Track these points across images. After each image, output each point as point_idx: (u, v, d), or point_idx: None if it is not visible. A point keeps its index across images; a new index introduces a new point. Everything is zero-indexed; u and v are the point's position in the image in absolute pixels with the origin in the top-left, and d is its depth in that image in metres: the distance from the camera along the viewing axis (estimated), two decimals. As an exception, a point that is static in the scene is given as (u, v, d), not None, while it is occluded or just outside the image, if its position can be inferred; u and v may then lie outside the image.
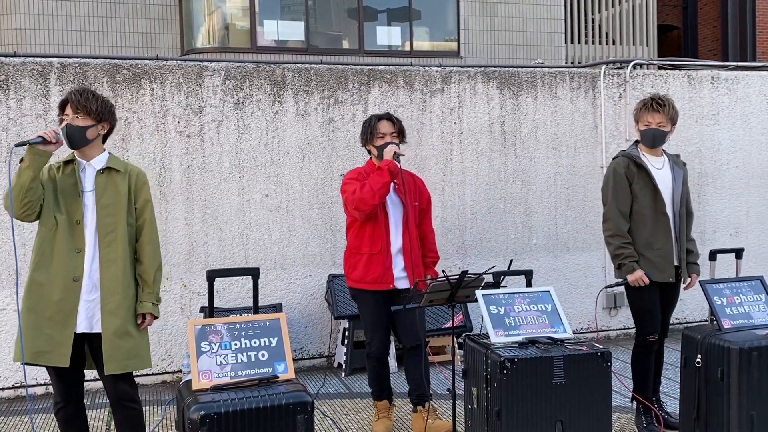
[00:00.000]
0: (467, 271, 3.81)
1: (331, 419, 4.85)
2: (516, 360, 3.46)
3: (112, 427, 4.75)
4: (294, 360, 6.00)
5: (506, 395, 3.46)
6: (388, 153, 4.26)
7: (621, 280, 4.32)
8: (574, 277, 6.77)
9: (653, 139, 4.34)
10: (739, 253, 4.67)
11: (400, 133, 4.44)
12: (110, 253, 3.40)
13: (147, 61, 5.68)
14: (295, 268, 6.01)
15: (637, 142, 4.46)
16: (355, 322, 5.77)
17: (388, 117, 4.42)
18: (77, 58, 5.55)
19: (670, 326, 5.78)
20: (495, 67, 6.55)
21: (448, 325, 5.91)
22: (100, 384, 5.55)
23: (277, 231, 5.96)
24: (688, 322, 7.10)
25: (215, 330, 3.22)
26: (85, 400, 3.60)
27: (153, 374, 5.70)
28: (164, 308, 5.70)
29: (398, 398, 5.13)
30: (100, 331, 3.38)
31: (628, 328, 6.88)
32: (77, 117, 3.39)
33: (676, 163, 4.48)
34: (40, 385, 5.48)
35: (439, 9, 11.63)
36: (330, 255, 6.09)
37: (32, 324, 3.34)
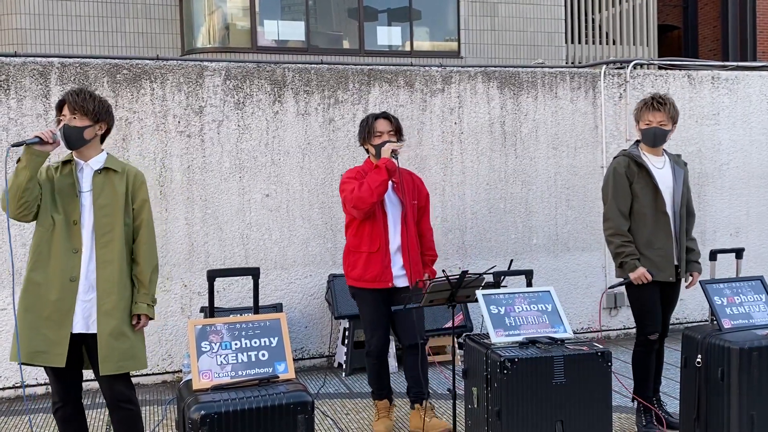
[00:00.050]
0: (467, 271, 3.82)
1: (332, 419, 4.85)
2: (516, 360, 3.46)
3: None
4: (294, 360, 6.01)
5: (506, 395, 3.46)
6: (386, 151, 4.29)
7: (623, 279, 4.32)
8: (575, 277, 6.77)
9: (654, 138, 4.34)
10: (739, 253, 4.67)
11: (398, 132, 4.46)
12: (107, 253, 3.39)
13: (147, 61, 5.69)
14: (296, 268, 6.01)
15: (638, 141, 4.47)
16: (356, 322, 5.77)
17: (385, 115, 4.44)
18: (78, 58, 5.55)
19: (671, 326, 5.79)
20: (495, 67, 6.55)
21: (449, 325, 5.91)
22: (100, 384, 5.55)
23: (277, 231, 5.96)
24: (688, 322, 7.10)
25: (216, 330, 3.22)
26: (84, 400, 3.60)
27: (153, 374, 5.70)
28: (164, 308, 5.71)
29: (398, 398, 5.13)
30: (96, 332, 3.38)
31: (629, 328, 6.88)
32: (74, 117, 3.39)
33: (677, 162, 4.48)
34: (41, 384, 5.48)
35: (440, 9, 11.63)
36: (330, 255, 6.09)
37: (29, 324, 3.34)
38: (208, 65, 5.80)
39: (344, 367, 5.86)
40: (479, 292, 3.82)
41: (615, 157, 4.46)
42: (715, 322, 4.12)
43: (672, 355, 5.99)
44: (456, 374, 5.03)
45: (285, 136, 5.97)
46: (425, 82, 6.30)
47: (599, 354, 3.55)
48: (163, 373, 5.74)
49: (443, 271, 3.89)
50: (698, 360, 3.98)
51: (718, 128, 7.14)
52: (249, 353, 3.20)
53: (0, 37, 10.30)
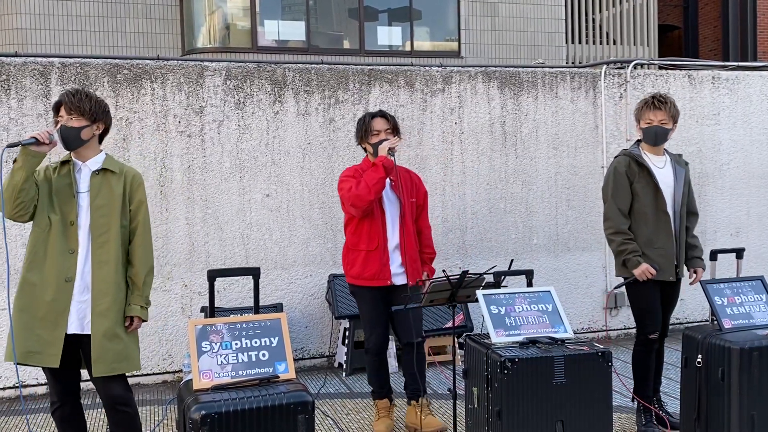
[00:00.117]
0: (468, 270, 3.82)
1: (332, 419, 4.85)
2: (517, 360, 3.46)
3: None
4: (294, 360, 6.01)
5: (507, 395, 3.46)
6: (383, 149, 4.31)
7: (627, 277, 4.32)
8: (575, 277, 6.77)
9: (655, 137, 4.34)
10: (739, 253, 4.67)
11: (395, 130, 4.46)
12: (103, 254, 3.39)
13: (148, 61, 5.69)
14: (296, 268, 6.01)
15: (638, 141, 4.47)
16: (356, 322, 5.77)
17: (382, 114, 4.46)
18: (78, 58, 5.55)
19: (671, 326, 5.79)
20: (496, 67, 6.55)
21: (449, 325, 5.91)
22: (100, 384, 5.55)
23: (277, 231, 5.96)
24: (688, 322, 7.10)
25: (216, 330, 3.22)
26: (84, 400, 3.59)
27: (153, 374, 5.70)
28: (165, 308, 5.71)
29: (399, 398, 5.13)
30: (90, 333, 3.37)
31: (629, 328, 6.88)
32: (71, 118, 3.39)
33: (678, 162, 4.48)
34: (41, 384, 5.48)
35: (440, 9, 11.63)
36: (330, 255, 6.09)
37: (23, 324, 3.33)
38: (209, 65, 5.80)
39: (345, 367, 5.86)
40: (480, 292, 3.82)
41: (616, 157, 4.47)
42: (715, 322, 4.12)
43: (672, 355, 5.98)
44: (456, 374, 5.03)
45: (285, 136, 5.97)
46: (425, 82, 6.30)
47: (599, 354, 3.55)
48: (163, 373, 5.74)
49: (443, 271, 3.89)
50: (699, 360, 3.98)
51: (718, 128, 7.14)
52: (249, 353, 3.20)
53: (0, 37, 10.31)
